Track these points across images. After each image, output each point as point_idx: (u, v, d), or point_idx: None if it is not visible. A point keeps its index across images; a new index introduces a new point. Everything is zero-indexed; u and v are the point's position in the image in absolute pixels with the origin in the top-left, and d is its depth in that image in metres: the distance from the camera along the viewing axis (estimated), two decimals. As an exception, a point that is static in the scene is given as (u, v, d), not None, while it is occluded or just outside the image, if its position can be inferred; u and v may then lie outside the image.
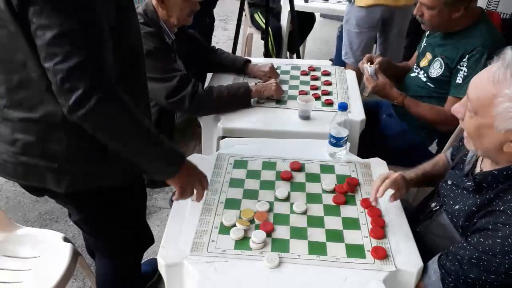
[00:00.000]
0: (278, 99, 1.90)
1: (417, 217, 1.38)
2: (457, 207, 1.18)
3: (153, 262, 1.95)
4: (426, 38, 1.96)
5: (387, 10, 2.61)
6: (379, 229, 1.22)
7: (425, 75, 1.88)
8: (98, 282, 1.58)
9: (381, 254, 1.14)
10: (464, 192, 1.17)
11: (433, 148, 1.92)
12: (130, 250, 1.48)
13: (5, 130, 1.14)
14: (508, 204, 1.02)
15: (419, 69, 1.94)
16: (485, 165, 1.15)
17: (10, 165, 1.17)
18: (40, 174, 1.15)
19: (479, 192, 1.11)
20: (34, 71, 1.03)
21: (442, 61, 1.79)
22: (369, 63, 1.88)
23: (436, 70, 1.81)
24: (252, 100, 1.86)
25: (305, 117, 1.77)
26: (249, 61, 2.10)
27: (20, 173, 1.17)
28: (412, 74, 1.97)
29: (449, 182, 1.25)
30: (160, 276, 1.25)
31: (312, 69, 2.17)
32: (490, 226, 1.03)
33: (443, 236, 1.23)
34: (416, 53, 2.05)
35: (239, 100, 1.82)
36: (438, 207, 1.30)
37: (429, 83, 1.85)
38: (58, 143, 1.12)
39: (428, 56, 1.89)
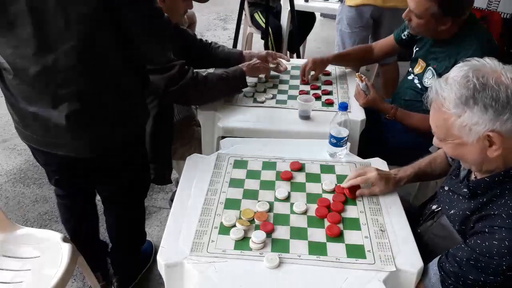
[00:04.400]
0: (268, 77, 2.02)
1: (418, 218, 1.38)
2: (452, 212, 1.19)
3: (148, 245, 2.11)
4: (417, 44, 1.96)
5: (376, 10, 2.62)
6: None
7: (419, 82, 1.88)
8: (117, 231, 1.83)
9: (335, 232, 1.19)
10: (460, 197, 1.18)
11: (433, 149, 1.91)
12: (146, 187, 1.81)
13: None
14: (503, 208, 1.03)
15: (413, 75, 1.94)
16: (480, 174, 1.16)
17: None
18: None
19: (474, 198, 1.12)
20: None
21: (433, 71, 1.80)
22: (358, 78, 1.87)
23: (429, 79, 1.82)
24: (251, 91, 1.92)
25: (305, 117, 1.76)
26: (242, 52, 2.13)
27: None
28: (409, 77, 1.97)
29: (446, 188, 1.26)
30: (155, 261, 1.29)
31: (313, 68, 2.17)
32: (486, 229, 1.04)
33: (445, 236, 1.23)
34: (389, 41, 2.10)
35: (237, 81, 1.87)
36: (440, 208, 1.30)
37: (424, 91, 1.85)
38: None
39: (421, 63, 1.89)
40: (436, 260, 1.15)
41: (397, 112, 1.81)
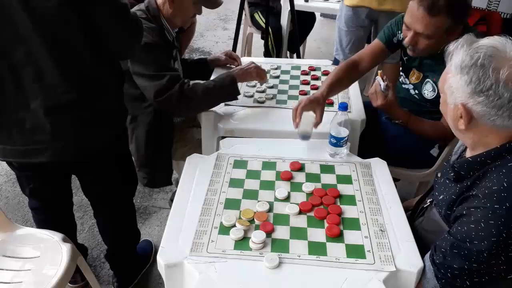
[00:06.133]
0: (263, 83, 1.95)
1: (412, 216, 1.38)
2: (441, 197, 1.19)
3: (147, 244, 2.09)
4: (406, 52, 1.82)
5: (372, 12, 2.60)
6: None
7: (417, 92, 1.81)
8: (120, 232, 1.83)
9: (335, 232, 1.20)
10: (447, 181, 1.18)
11: (434, 151, 1.91)
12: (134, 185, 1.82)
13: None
14: (481, 189, 1.03)
15: (409, 84, 1.86)
16: (467, 155, 1.16)
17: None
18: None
19: (460, 181, 1.12)
20: None
21: (433, 84, 1.73)
22: (380, 77, 1.72)
23: (430, 92, 1.75)
24: (244, 94, 1.90)
25: (306, 137, 1.58)
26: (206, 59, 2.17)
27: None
28: (404, 86, 1.90)
29: (439, 175, 1.27)
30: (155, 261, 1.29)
31: (312, 68, 2.17)
32: (464, 212, 1.04)
33: (435, 231, 1.23)
34: (377, 49, 1.89)
35: (227, 89, 1.78)
36: (428, 203, 1.30)
37: (424, 103, 1.80)
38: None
39: (417, 73, 1.81)
40: (428, 255, 1.15)
41: (410, 118, 1.72)
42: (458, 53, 1.04)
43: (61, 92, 1.30)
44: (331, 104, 1.87)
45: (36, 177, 1.57)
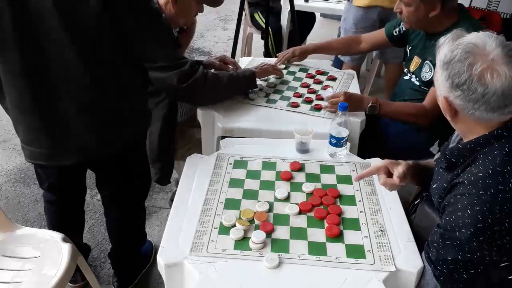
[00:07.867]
0: (280, 77, 2.05)
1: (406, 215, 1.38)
2: (434, 186, 1.20)
3: (148, 244, 2.09)
4: (409, 43, 1.98)
5: (384, 11, 2.61)
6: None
7: (418, 79, 1.88)
8: (120, 232, 1.83)
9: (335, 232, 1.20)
10: (441, 170, 1.18)
11: (434, 149, 1.92)
12: (147, 189, 1.84)
13: None
14: (467, 175, 1.04)
15: (410, 74, 1.94)
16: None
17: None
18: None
19: (452, 170, 1.13)
20: None
21: (430, 63, 1.80)
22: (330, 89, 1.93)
23: (427, 73, 1.82)
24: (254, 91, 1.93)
25: (303, 150, 1.56)
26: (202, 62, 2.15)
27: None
28: (405, 77, 1.98)
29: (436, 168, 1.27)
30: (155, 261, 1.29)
31: (320, 73, 2.13)
32: (452, 200, 1.05)
33: (428, 226, 1.22)
34: (379, 34, 2.13)
35: (248, 80, 1.87)
36: (419, 199, 1.30)
37: (423, 87, 1.86)
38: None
39: (416, 59, 1.89)
40: (424, 254, 1.14)
41: (378, 100, 1.79)
42: (443, 48, 1.07)
43: (90, 93, 1.34)
44: (331, 104, 1.86)
45: (56, 172, 1.61)
